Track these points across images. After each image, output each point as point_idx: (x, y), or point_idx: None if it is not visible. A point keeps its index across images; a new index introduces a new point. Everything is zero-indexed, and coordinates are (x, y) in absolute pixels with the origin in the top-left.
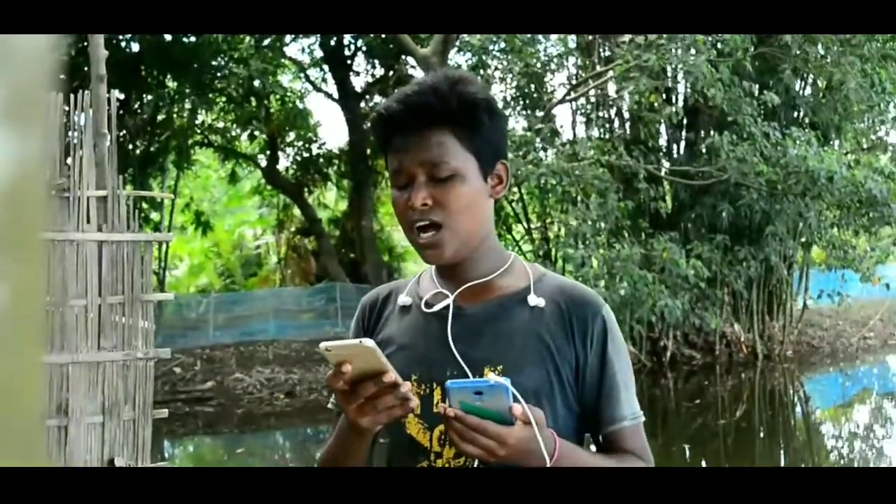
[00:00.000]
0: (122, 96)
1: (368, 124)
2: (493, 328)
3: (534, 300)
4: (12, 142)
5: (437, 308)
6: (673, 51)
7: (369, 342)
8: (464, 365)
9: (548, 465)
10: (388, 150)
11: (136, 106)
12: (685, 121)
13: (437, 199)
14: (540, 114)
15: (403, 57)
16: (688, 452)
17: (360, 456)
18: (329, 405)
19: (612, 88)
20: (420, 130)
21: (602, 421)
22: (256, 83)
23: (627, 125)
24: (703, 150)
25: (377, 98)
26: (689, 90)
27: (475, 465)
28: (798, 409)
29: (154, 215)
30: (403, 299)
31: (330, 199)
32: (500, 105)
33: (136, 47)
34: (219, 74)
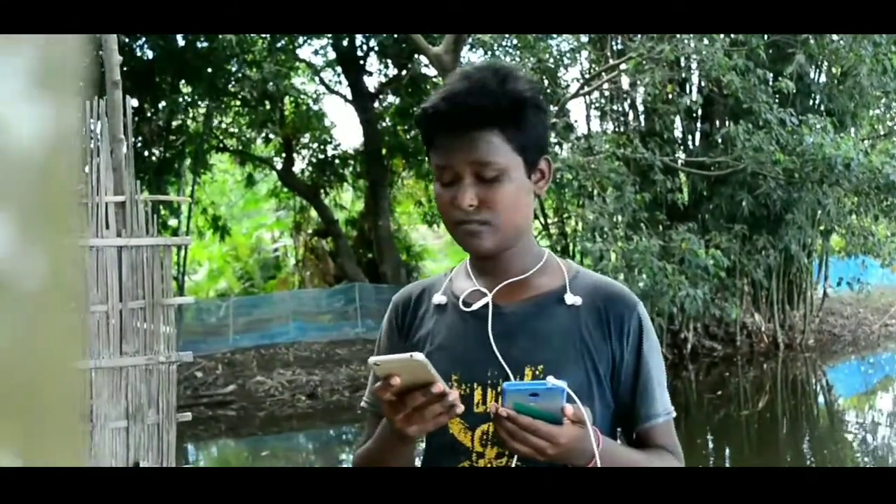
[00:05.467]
0: (136, 103)
1: (414, 119)
2: (532, 327)
3: (570, 299)
4: (49, 109)
5: (475, 307)
6: (686, 41)
7: (420, 356)
8: (504, 365)
9: (594, 463)
10: (433, 147)
11: (151, 112)
12: (700, 111)
13: (483, 200)
14: (554, 109)
15: (416, 56)
16: (711, 444)
17: (402, 462)
18: (363, 404)
19: (625, 81)
20: (468, 130)
21: (637, 417)
22: (270, 86)
23: (642, 118)
24: (719, 141)
25: (391, 98)
26: (703, 80)
27: (514, 465)
28: (821, 398)
29: (172, 222)
30: (438, 298)
31: (346, 200)
32: None
33: (149, 54)
34: (232, 78)
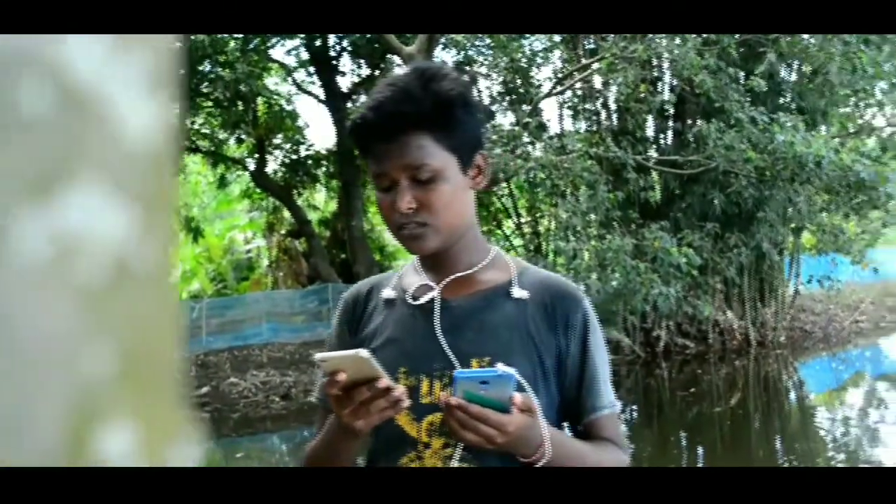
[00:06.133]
0: None
1: (347, 132)
2: (479, 320)
3: (518, 292)
4: (158, 106)
5: (422, 300)
6: (659, 41)
7: (365, 353)
8: (451, 357)
9: (544, 452)
10: (369, 156)
11: None
12: (672, 110)
13: (420, 202)
14: (527, 108)
15: (389, 56)
16: (684, 441)
17: (351, 456)
18: (312, 398)
19: (598, 80)
20: (397, 136)
21: (583, 410)
22: (243, 87)
23: (614, 116)
24: (691, 139)
25: (364, 98)
26: (675, 79)
27: (459, 456)
28: (792, 394)
29: None
30: (388, 293)
31: (319, 201)
32: (487, 101)
33: None
34: (205, 79)
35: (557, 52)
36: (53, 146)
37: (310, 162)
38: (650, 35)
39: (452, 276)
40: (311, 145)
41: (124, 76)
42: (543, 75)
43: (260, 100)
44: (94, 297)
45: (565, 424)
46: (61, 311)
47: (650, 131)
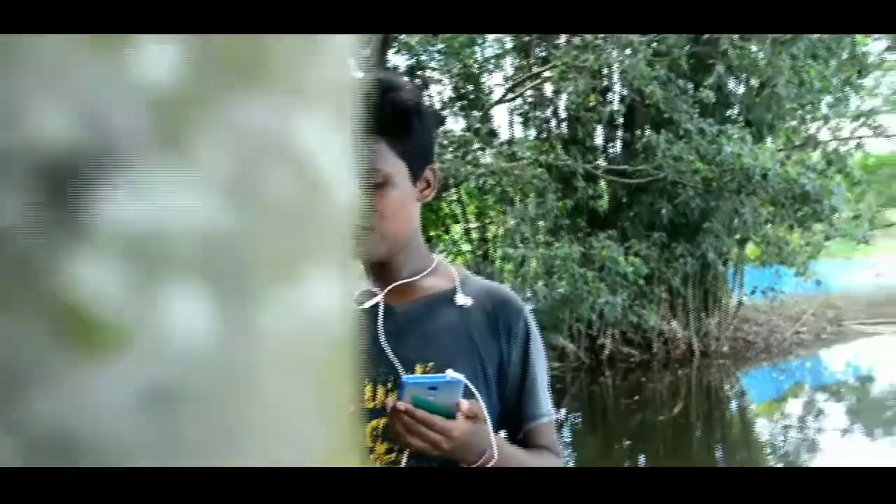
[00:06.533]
0: None
1: None
2: (422, 326)
3: (461, 299)
4: (358, 179)
5: (365, 306)
6: (609, 51)
7: None
8: (395, 362)
9: (489, 459)
10: None
11: None
12: (621, 120)
13: (369, 206)
14: (478, 114)
15: None
16: (627, 448)
17: None
18: None
19: (549, 88)
20: None
21: (523, 418)
22: None
23: (564, 125)
24: (640, 149)
25: None
26: (624, 90)
27: (404, 462)
28: (734, 403)
29: None
30: None
31: None
32: (438, 106)
33: None
34: None
35: (509, 59)
36: (293, 229)
37: None
38: (601, 43)
39: (397, 283)
40: None
41: (342, 155)
42: (494, 81)
43: None
44: (324, 374)
45: (502, 432)
46: (300, 390)
47: (599, 140)
